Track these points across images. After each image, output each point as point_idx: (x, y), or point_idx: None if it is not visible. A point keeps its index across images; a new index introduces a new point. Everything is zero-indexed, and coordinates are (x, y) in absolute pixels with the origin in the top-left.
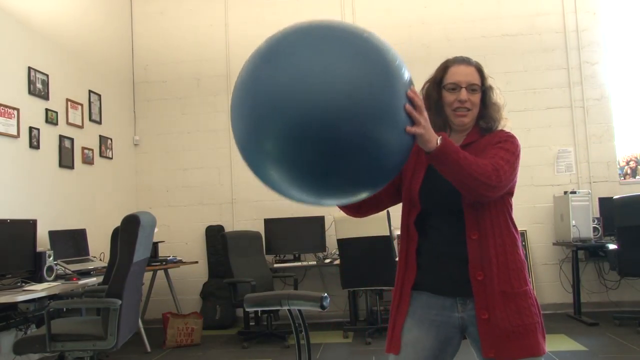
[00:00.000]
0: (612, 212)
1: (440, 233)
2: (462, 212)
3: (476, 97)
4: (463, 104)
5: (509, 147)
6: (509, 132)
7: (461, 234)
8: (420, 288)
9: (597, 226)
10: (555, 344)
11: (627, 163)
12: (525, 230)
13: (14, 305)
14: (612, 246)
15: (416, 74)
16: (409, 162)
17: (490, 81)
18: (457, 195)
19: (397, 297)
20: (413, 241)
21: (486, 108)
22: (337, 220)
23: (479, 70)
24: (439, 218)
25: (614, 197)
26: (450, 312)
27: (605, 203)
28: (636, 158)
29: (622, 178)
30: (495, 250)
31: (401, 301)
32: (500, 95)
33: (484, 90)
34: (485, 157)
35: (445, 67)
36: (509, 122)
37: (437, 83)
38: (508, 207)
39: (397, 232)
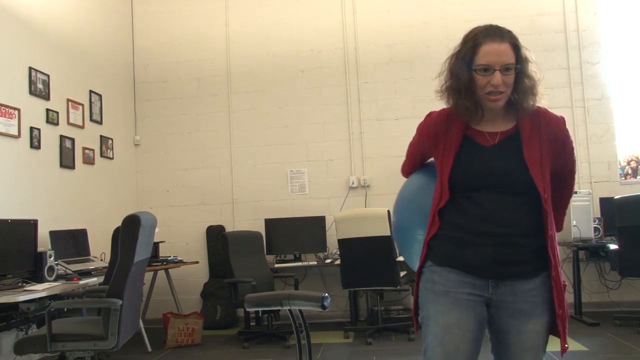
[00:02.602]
0: (612, 212)
1: (483, 209)
2: (517, 192)
3: (511, 78)
4: (497, 88)
5: (572, 147)
6: (564, 121)
7: (510, 210)
8: (452, 265)
9: (597, 226)
10: (555, 344)
11: (628, 163)
12: None
13: (14, 306)
14: (612, 246)
15: (416, 73)
16: (437, 144)
17: (525, 53)
18: (513, 176)
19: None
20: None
21: (522, 85)
22: (337, 221)
23: (514, 45)
24: (485, 196)
25: (615, 197)
26: (482, 291)
27: (606, 203)
28: (637, 158)
29: (623, 178)
30: (552, 210)
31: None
32: (536, 67)
33: (520, 67)
34: (567, 165)
35: (475, 45)
36: (545, 99)
37: (467, 63)
38: None
39: None
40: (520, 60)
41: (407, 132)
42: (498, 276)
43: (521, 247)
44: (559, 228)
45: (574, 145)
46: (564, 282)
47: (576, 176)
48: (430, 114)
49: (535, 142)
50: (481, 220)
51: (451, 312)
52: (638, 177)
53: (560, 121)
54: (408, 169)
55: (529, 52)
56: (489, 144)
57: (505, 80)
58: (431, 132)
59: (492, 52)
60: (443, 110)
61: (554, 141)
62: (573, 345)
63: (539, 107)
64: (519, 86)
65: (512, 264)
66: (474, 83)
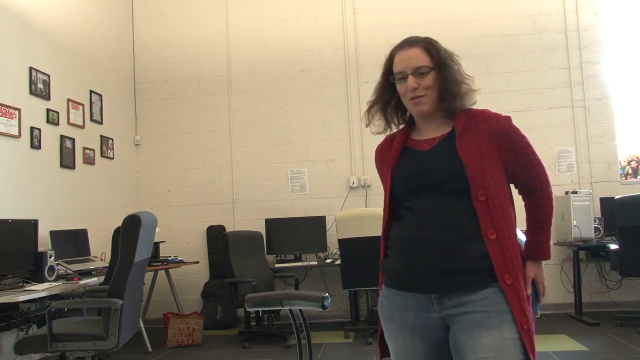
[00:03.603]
0: (613, 212)
1: (418, 216)
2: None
3: (428, 80)
4: (415, 92)
5: (526, 143)
6: (507, 117)
7: (447, 213)
8: (393, 284)
9: (598, 226)
10: (556, 344)
11: (629, 163)
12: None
13: (15, 305)
14: (613, 246)
15: None
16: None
17: (445, 54)
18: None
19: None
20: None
21: (445, 86)
22: (338, 221)
23: (426, 48)
24: (417, 201)
25: (615, 197)
26: (427, 311)
27: (607, 203)
28: (637, 158)
29: (624, 178)
30: (501, 211)
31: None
32: (461, 67)
33: (439, 67)
34: (523, 171)
35: (390, 57)
36: (478, 95)
37: (386, 76)
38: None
39: None
40: (436, 62)
41: None
42: (440, 289)
43: (463, 254)
44: (544, 255)
45: (534, 149)
46: (528, 294)
47: (577, 176)
48: (377, 147)
49: (470, 136)
50: (417, 227)
51: (397, 339)
52: (638, 177)
53: (501, 116)
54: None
55: (451, 53)
56: (425, 149)
57: (421, 83)
58: (379, 158)
59: (403, 59)
60: (386, 137)
61: (494, 135)
62: (573, 345)
63: (479, 109)
64: (442, 87)
65: (454, 273)
66: (398, 95)
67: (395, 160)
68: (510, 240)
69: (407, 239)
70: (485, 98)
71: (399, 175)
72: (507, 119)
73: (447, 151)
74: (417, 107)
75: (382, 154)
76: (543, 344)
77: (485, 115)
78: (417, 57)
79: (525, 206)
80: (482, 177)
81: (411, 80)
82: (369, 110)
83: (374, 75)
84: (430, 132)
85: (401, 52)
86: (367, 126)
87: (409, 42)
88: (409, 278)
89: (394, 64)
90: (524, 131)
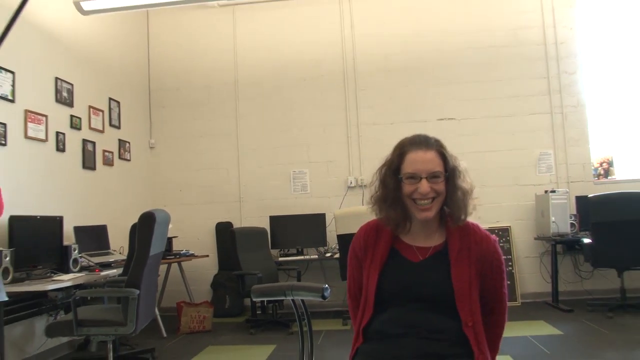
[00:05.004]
0: (587, 209)
1: (405, 316)
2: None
3: (440, 185)
4: (425, 197)
5: (503, 269)
6: (495, 242)
7: (433, 320)
8: None
9: (573, 222)
10: (534, 329)
11: (601, 165)
12: (510, 226)
13: (44, 294)
14: (586, 240)
15: (410, 81)
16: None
17: (454, 162)
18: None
19: None
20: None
21: (452, 196)
22: (337, 217)
23: (440, 153)
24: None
25: (589, 196)
26: None
27: (581, 201)
28: (608, 160)
29: (596, 178)
30: (481, 329)
31: None
32: (467, 175)
33: (448, 175)
34: (497, 297)
35: (401, 154)
36: (475, 210)
37: (394, 171)
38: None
39: None
40: (448, 169)
41: (401, 136)
42: None
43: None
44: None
45: (503, 263)
46: None
47: (555, 176)
48: (361, 227)
49: (463, 262)
50: (403, 326)
51: None
52: (609, 177)
53: (491, 242)
54: (352, 289)
55: (458, 160)
56: (416, 259)
57: (434, 188)
58: (362, 244)
59: (418, 160)
60: (372, 221)
61: (482, 261)
62: (549, 329)
63: (470, 223)
64: (449, 197)
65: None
66: (401, 192)
67: (382, 262)
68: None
69: (390, 334)
70: (474, 104)
71: (387, 281)
72: (495, 243)
73: (440, 271)
74: (424, 213)
75: (366, 243)
76: (523, 329)
77: (478, 238)
78: (434, 161)
79: (483, 323)
80: (470, 302)
81: (425, 185)
82: (376, 204)
83: (370, 83)
84: (422, 238)
85: (417, 152)
86: (377, 217)
87: (425, 144)
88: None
89: (406, 163)
90: (509, 135)
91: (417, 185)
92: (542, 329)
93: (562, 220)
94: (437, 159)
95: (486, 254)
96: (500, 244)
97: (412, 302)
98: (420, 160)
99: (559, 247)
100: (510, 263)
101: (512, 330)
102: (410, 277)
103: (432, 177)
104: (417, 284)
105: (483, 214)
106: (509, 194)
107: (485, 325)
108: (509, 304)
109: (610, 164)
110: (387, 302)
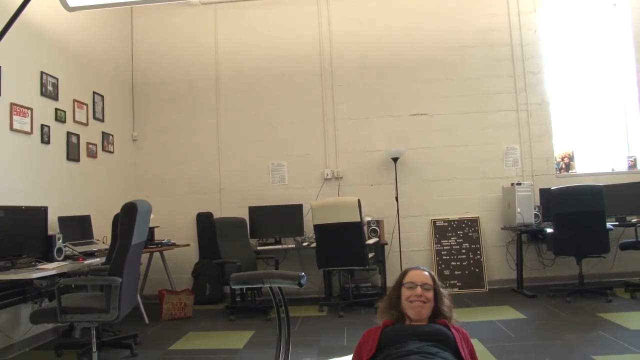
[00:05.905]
0: (549, 201)
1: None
2: None
3: (430, 294)
4: (419, 298)
5: (474, 352)
6: (467, 334)
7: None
8: None
9: (537, 213)
10: (500, 313)
11: (562, 159)
12: (478, 217)
13: (29, 282)
14: (549, 230)
15: (385, 78)
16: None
17: (442, 290)
18: None
19: None
20: None
21: (438, 304)
22: (313, 208)
23: (431, 276)
24: None
25: (552, 188)
26: None
27: (545, 193)
28: (569, 155)
29: (558, 172)
30: None
31: None
32: (449, 299)
33: (435, 289)
34: None
35: (404, 273)
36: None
37: (398, 284)
38: None
39: (367, 218)
40: (435, 286)
41: (375, 130)
42: None
43: None
44: None
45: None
46: None
47: (521, 170)
48: (368, 330)
49: (464, 347)
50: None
51: None
52: (570, 171)
53: (467, 335)
54: None
55: (445, 291)
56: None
57: (425, 294)
58: (364, 344)
59: (415, 275)
60: (376, 327)
61: (465, 345)
62: (514, 314)
63: (456, 327)
64: (439, 302)
65: None
66: (401, 297)
67: (381, 331)
68: None
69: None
70: (445, 101)
71: (387, 330)
72: (468, 336)
73: (439, 327)
74: (418, 309)
75: (369, 336)
76: (489, 314)
77: (462, 333)
78: (425, 277)
79: None
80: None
81: (419, 289)
82: (384, 309)
83: (347, 79)
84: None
85: (415, 271)
86: (378, 321)
87: (420, 268)
88: None
89: (407, 277)
90: (479, 130)
91: (414, 290)
92: (507, 313)
93: (527, 212)
94: (428, 278)
95: (468, 343)
96: (469, 234)
97: (416, 341)
98: (417, 275)
99: (524, 236)
100: (478, 252)
101: (479, 315)
102: (411, 328)
103: (425, 287)
104: (418, 330)
105: (453, 205)
106: (478, 186)
107: None
108: (476, 290)
109: (571, 158)
110: (393, 343)
